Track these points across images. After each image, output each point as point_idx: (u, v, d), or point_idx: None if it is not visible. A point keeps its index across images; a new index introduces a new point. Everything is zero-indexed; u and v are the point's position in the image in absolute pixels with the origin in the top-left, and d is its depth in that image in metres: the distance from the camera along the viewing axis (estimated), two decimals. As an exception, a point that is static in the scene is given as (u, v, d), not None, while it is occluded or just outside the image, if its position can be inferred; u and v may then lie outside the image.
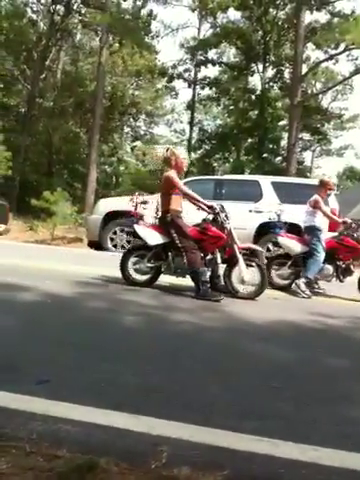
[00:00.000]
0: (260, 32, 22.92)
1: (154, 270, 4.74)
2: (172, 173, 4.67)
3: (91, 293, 4.11)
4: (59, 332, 2.79)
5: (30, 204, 11.97)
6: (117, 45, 21.73)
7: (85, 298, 3.90)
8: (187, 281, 4.62)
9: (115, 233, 8.73)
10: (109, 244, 8.64)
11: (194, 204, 4.85)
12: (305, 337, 3.30)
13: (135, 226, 4.80)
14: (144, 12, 21.07)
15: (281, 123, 24.72)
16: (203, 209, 4.80)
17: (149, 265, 4.73)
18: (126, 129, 31.51)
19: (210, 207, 4.73)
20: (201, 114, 32.51)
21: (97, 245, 8.82)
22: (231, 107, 26.87)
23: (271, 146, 24.25)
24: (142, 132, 32.36)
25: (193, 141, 27.96)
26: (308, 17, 19.24)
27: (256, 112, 24.40)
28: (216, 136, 26.70)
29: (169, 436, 1.51)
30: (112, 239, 8.64)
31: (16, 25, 20.61)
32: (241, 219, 8.22)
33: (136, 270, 4.78)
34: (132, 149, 32.16)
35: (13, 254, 4.43)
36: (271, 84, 24.70)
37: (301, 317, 3.88)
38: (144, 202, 5.12)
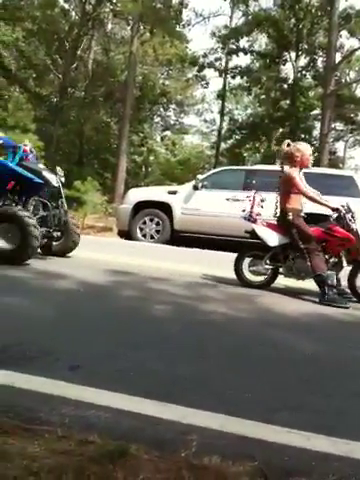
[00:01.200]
0: (293, 20, 22.47)
1: (272, 272, 4.57)
2: (294, 171, 4.45)
3: (122, 282, 4.15)
4: (91, 320, 2.83)
5: None
6: (148, 34, 21.66)
7: (116, 286, 3.94)
8: (305, 284, 4.48)
9: (144, 223, 8.77)
10: (139, 234, 8.70)
11: (318, 203, 4.48)
12: (337, 330, 3.26)
13: (254, 226, 4.64)
14: (175, 0, 20.92)
15: (313, 113, 24.29)
16: (327, 207, 4.45)
17: (267, 267, 4.55)
18: (156, 119, 31.52)
19: (335, 209, 4.41)
20: (232, 103, 32.22)
21: (127, 235, 8.89)
22: (262, 96, 26.53)
23: (303, 136, 23.85)
24: (172, 122, 32.32)
25: (223, 131, 27.76)
26: (342, 4, 18.70)
27: (288, 101, 24.05)
28: (247, 126, 26.47)
29: (199, 425, 1.51)
30: (141, 229, 8.69)
31: (48, 15, 20.80)
32: (272, 210, 8.15)
33: (252, 271, 4.61)
34: (162, 139, 32.19)
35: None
36: (304, 73, 24.26)
37: (333, 310, 3.83)
38: (262, 200, 4.91)
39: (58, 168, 5.44)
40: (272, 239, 4.49)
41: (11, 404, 1.50)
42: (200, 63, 24.48)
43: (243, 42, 24.29)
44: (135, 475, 1.17)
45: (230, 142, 27.93)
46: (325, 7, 19.91)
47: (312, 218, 4.54)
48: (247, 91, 27.00)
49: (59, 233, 5.10)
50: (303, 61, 24.02)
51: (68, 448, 1.26)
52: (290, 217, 4.41)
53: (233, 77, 25.89)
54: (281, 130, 25.45)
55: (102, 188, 14.02)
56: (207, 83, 26.62)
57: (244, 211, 4.92)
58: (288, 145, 4.61)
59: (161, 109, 30.23)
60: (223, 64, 25.48)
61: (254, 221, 4.70)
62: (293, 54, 23.75)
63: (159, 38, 22.03)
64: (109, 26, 25.58)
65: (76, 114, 22.25)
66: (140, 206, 8.83)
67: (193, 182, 9.02)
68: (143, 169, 31.13)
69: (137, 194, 9.25)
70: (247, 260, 4.66)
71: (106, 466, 1.19)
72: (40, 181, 4.78)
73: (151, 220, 8.79)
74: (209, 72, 25.46)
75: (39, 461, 1.18)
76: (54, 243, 5.20)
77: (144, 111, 27.35)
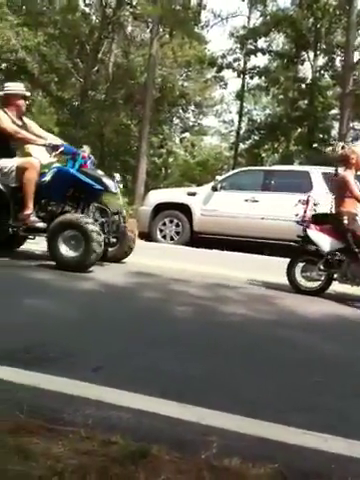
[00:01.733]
0: (311, 19, 22.25)
1: (326, 278, 4.49)
2: (349, 175, 4.40)
3: (143, 283, 4.19)
4: (112, 321, 2.87)
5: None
6: (167, 36, 21.72)
7: (137, 288, 3.98)
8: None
9: (164, 224, 8.81)
10: (158, 235, 8.73)
11: None
12: (357, 332, 3.24)
13: (308, 231, 4.56)
14: (194, 2, 20.93)
15: (332, 112, 24.00)
16: None
17: (321, 272, 4.48)
18: (175, 120, 31.54)
19: None
20: (250, 104, 32.06)
21: (147, 236, 8.93)
22: (280, 96, 26.33)
23: (322, 136, 23.63)
24: (191, 123, 32.29)
25: (242, 131, 27.64)
26: (360, 3, 18.43)
27: (306, 101, 23.83)
28: (265, 126, 26.27)
29: (218, 426, 1.52)
30: (161, 230, 8.73)
31: (69, 19, 21.00)
32: (291, 211, 8.11)
33: (305, 277, 4.55)
34: (181, 140, 32.19)
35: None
36: (322, 72, 24.01)
37: (355, 313, 3.80)
38: (315, 204, 4.82)
39: (116, 174, 5.45)
40: (326, 244, 4.41)
41: (36, 404, 1.53)
42: (219, 64, 24.40)
43: (261, 42, 24.20)
44: (157, 476, 1.18)
45: (248, 143, 27.75)
46: (343, 6, 19.66)
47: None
48: (265, 91, 26.84)
49: (115, 239, 5.05)
50: (321, 61, 23.77)
51: (91, 448, 1.28)
52: (345, 221, 4.33)
53: (251, 77, 25.74)
54: (299, 130, 25.25)
55: (122, 190, 14.11)
56: (226, 84, 26.56)
57: (297, 215, 4.83)
58: (342, 147, 4.56)
59: (180, 111, 30.23)
60: (241, 65, 25.39)
61: (307, 225, 4.59)
62: (311, 54, 23.52)
63: (178, 40, 22.06)
64: (129, 29, 25.71)
65: (96, 117, 22.39)
66: (160, 208, 8.87)
67: (212, 183, 9.03)
68: (163, 171, 31.17)
69: (157, 196, 9.30)
70: (300, 265, 4.57)
71: (128, 467, 1.21)
72: (100, 187, 4.76)
73: (171, 221, 8.82)
74: (227, 73, 25.38)
75: (63, 461, 1.21)
76: (109, 249, 5.08)
77: (163, 113, 27.39)
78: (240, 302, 3.78)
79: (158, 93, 24.50)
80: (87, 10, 23.10)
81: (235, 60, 24.91)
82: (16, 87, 5.15)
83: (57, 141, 4.94)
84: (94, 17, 23.51)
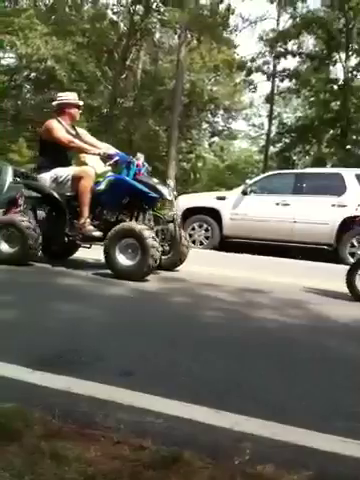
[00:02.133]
0: (342, 20, 21.98)
1: None
2: None
3: (173, 288, 4.19)
4: (142, 326, 2.87)
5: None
6: (195, 42, 21.80)
7: (167, 293, 3.98)
8: None
9: (194, 229, 8.81)
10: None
11: None
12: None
13: None
14: (222, 7, 20.94)
15: (366, 113, 23.61)
16: None
17: None
18: (204, 125, 31.57)
19: None
20: (280, 107, 31.87)
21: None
22: (312, 98, 26.05)
23: (355, 137, 23.23)
24: (220, 127, 32.27)
25: (272, 135, 27.46)
26: (393, 1, 18.12)
27: (338, 103, 23.50)
28: (296, 129, 26.03)
29: (251, 432, 1.50)
30: (191, 235, 8.73)
31: (98, 27, 21.32)
32: (323, 214, 8.00)
33: None
34: (210, 145, 32.21)
35: (98, 248, 4.63)
36: (354, 73, 23.65)
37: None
38: None
39: (170, 181, 5.45)
40: None
41: (68, 409, 1.54)
42: (248, 68, 24.32)
43: (291, 45, 24.01)
44: (189, 482, 1.17)
45: (279, 146, 27.57)
46: (375, 6, 19.38)
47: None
48: (296, 94, 26.63)
49: (168, 247, 5.05)
50: (353, 61, 23.40)
51: (123, 454, 1.28)
52: None
53: (281, 80, 25.59)
54: (331, 132, 24.90)
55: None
56: (255, 87, 26.41)
57: (357, 218, 4.70)
58: None
59: (209, 115, 30.26)
60: (271, 68, 25.25)
61: None
62: (343, 54, 23.20)
63: (207, 45, 22.12)
64: (157, 35, 25.92)
65: (126, 123, 22.65)
66: (189, 212, 8.88)
67: (242, 187, 8.99)
68: (192, 176, 31.21)
69: (186, 200, 9.30)
70: None
71: (160, 472, 1.20)
72: (155, 195, 4.74)
73: (200, 226, 8.81)
74: (257, 76, 25.30)
75: (95, 466, 1.21)
76: (163, 257, 4.94)
77: (192, 118, 27.47)
78: (271, 307, 3.73)
79: (187, 98, 24.60)
80: (115, 18, 23.39)
81: (265, 63, 24.81)
82: (69, 96, 5.17)
83: (111, 150, 4.95)
84: (122, 25, 23.78)
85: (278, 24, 25.42)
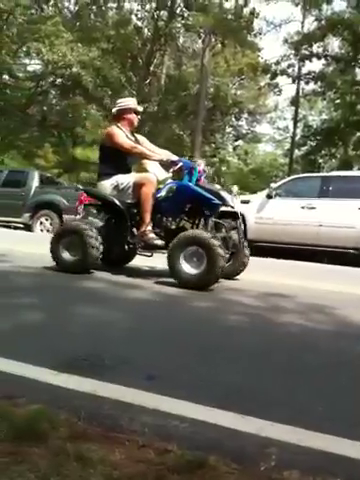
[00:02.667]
0: (368, 21, 21.69)
1: None
2: None
3: (195, 292, 4.17)
4: (166, 330, 2.87)
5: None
6: (220, 46, 21.82)
7: (190, 297, 3.97)
8: None
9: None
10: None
11: None
12: None
13: None
14: (246, 10, 20.91)
15: (393, 115, 23.22)
16: None
17: None
18: (228, 129, 31.54)
19: None
20: (305, 109, 31.63)
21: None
22: (337, 101, 25.77)
23: (382, 140, 22.91)
24: (244, 131, 32.19)
25: (297, 138, 27.26)
26: None
27: (365, 105, 23.18)
28: (322, 131, 25.80)
29: (277, 438, 1.48)
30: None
31: (122, 33, 21.54)
32: (349, 217, 7.89)
33: None
34: (234, 149, 32.15)
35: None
36: (381, 75, 23.31)
37: None
38: None
39: (234, 187, 5.30)
40: None
41: (93, 411, 1.55)
42: (272, 71, 24.23)
43: (316, 47, 23.82)
44: (214, 487, 1.16)
45: (304, 149, 27.36)
46: None
47: None
48: (321, 96, 26.38)
49: (229, 255, 4.84)
50: (381, 62, 23.09)
51: (148, 457, 1.28)
52: None
53: (307, 83, 25.43)
54: (358, 134, 24.57)
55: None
56: (280, 90, 26.31)
57: None
58: None
59: (233, 119, 30.22)
60: (296, 70, 25.10)
61: None
62: (369, 56, 22.91)
63: (231, 49, 22.12)
64: (181, 40, 26.04)
65: (150, 128, 22.78)
66: (214, 216, 8.85)
67: (266, 191, 8.94)
68: (216, 179, 31.19)
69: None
70: None
71: (185, 477, 1.20)
72: (218, 202, 4.62)
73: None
74: (282, 79, 25.19)
75: (120, 469, 1.21)
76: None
77: (216, 122, 27.48)
78: (297, 312, 3.68)
79: (210, 103, 24.62)
80: (139, 24, 23.60)
81: (289, 66, 24.71)
82: (127, 102, 5.12)
83: (173, 156, 4.87)
84: (146, 30, 23.97)
85: (303, 26, 25.34)
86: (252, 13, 20.99)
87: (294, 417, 1.65)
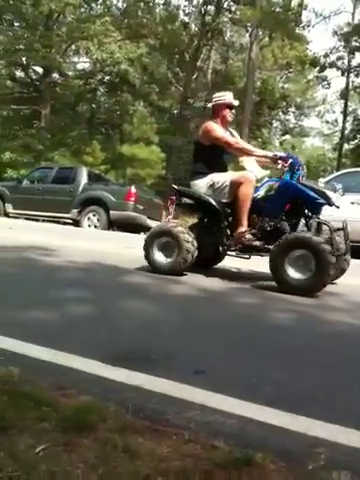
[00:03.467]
0: None
1: None
2: None
3: (240, 288, 4.14)
4: (212, 325, 2.86)
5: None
6: (267, 39, 21.51)
7: (235, 293, 3.95)
8: None
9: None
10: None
11: None
12: None
13: None
14: (294, 2, 20.52)
15: None
16: None
17: None
18: (275, 123, 31.10)
19: None
20: (355, 103, 30.73)
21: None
22: (390, 93, 24.96)
23: None
24: (291, 125, 31.66)
25: (346, 131, 26.55)
26: None
27: None
28: (372, 125, 25.02)
29: (326, 438, 1.45)
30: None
31: (169, 29, 21.60)
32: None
33: None
34: (281, 143, 31.68)
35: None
36: None
37: None
38: None
39: (338, 185, 5.00)
40: None
41: (140, 405, 1.57)
42: (321, 63, 23.73)
43: (367, 38, 23.08)
44: (261, 484, 1.15)
45: (354, 143, 26.60)
46: None
47: None
48: (372, 89, 25.60)
49: None
50: None
51: (195, 452, 1.28)
52: None
53: (357, 75, 24.70)
54: None
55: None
56: (329, 83, 25.73)
57: None
58: None
59: (280, 113, 29.76)
60: (346, 63, 24.44)
61: None
62: None
63: (278, 42, 21.79)
64: (228, 35, 25.85)
65: (196, 124, 22.76)
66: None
67: (315, 186, 8.73)
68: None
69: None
70: None
71: (232, 473, 1.19)
72: (323, 201, 4.32)
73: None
74: (331, 72, 24.60)
75: (167, 462, 1.22)
76: None
77: (263, 116, 27.16)
78: (345, 310, 3.59)
79: (257, 97, 24.34)
80: (186, 19, 23.60)
81: (339, 58, 24.12)
82: (222, 96, 4.77)
83: (279, 152, 4.65)
84: (193, 25, 23.94)
85: (353, 17, 24.56)
86: (300, 5, 20.58)
87: (343, 417, 1.61)
